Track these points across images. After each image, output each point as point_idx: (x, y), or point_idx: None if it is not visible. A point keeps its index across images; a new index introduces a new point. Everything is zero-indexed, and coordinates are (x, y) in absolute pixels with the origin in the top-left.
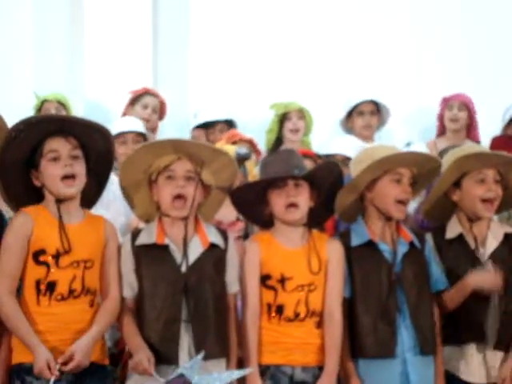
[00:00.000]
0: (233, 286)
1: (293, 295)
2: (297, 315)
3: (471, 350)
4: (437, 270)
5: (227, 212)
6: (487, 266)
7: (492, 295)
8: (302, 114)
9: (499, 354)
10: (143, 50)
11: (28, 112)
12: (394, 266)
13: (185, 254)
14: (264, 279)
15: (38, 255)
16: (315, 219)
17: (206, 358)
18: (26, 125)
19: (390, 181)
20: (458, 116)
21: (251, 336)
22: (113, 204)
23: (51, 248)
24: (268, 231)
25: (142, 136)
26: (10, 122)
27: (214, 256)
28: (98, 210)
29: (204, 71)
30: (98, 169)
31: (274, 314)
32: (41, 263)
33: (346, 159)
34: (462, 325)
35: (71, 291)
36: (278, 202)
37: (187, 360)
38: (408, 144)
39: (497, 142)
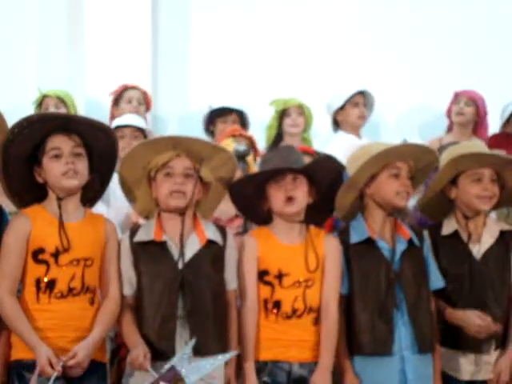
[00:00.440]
0: (232, 283)
1: (290, 291)
2: (294, 311)
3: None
4: (434, 269)
5: (227, 208)
6: (483, 318)
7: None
8: (301, 109)
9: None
10: (143, 47)
11: (29, 109)
12: (393, 263)
13: (181, 251)
14: (261, 275)
15: (37, 254)
16: (314, 218)
17: (203, 354)
18: (29, 122)
19: (389, 176)
20: (463, 110)
21: (249, 332)
22: (115, 201)
23: (50, 246)
24: (266, 227)
25: (140, 131)
26: (12, 119)
27: (212, 253)
28: (98, 206)
29: (204, 69)
30: (100, 167)
31: (271, 311)
32: (40, 262)
33: None
34: (459, 334)
35: (71, 289)
36: (276, 195)
37: None
38: (404, 142)
39: (494, 140)
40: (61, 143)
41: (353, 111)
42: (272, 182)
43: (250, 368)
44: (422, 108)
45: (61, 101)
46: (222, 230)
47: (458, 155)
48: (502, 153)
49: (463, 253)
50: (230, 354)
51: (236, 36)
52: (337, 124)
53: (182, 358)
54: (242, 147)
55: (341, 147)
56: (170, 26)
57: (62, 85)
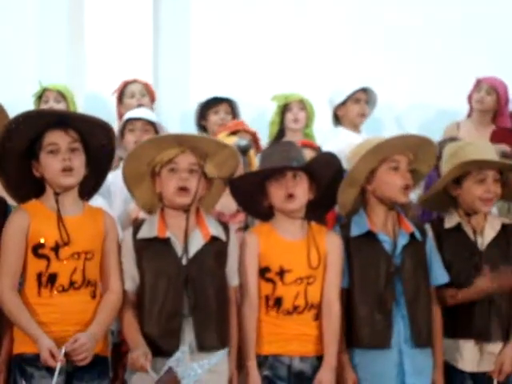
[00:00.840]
0: (234, 279)
1: (292, 288)
2: (295, 308)
3: (469, 342)
4: (438, 264)
5: (228, 202)
6: (484, 271)
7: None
8: (302, 104)
9: (497, 343)
10: (144, 42)
11: (30, 103)
12: (393, 257)
13: (185, 247)
14: (263, 272)
15: (36, 249)
16: (315, 212)
17: (206, 350)
18: (26, 117)
19: (388, 169)
20: (484, 98)
21: (249, 328)
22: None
23: (50, 241)
24: (268, 223)
25: (151, 124)
26: (13, 113)
27: (215, 249)
28: (97, 200)
29: (205, 65)
30: (97, 162)
31: (272, 307)
32: (41, 256)
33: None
34: (461, 321)
35: (72, 283)
36: (276, 193)
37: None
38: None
39: (497, 135)
40: (57, 139)
41: (353, 107)
42: (272, 179)
43: (252, 367)
44: (423, 105)
45: (61, 95)
46: (225, 226)
47: (467, 160)
48: (507, 148)
49: (467, 244)
50: (223, 353)
51: (238, 32)
52: (337, 119)
53: (180, 360)
54: (244, 142)
55: (340, 144)
56: (172, 22)
57: (62, 79)
